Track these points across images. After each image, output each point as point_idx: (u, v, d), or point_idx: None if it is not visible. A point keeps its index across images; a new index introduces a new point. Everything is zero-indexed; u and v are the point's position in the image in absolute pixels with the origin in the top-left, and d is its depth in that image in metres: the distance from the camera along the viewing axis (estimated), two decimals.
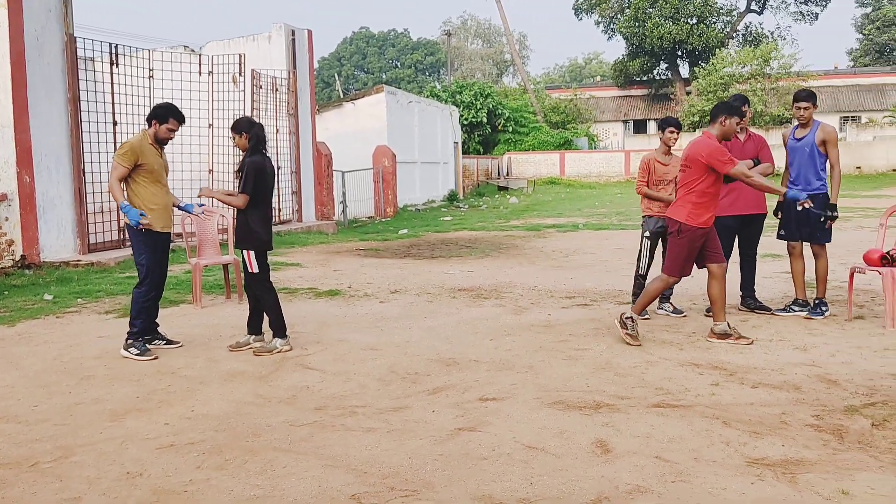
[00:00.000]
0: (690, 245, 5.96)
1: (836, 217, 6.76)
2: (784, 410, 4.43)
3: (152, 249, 6.06)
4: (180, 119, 6.16)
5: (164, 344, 6.23)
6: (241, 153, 6.23)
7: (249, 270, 6.06)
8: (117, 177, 5.96)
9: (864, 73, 51.41)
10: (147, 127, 6.14)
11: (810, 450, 3.84)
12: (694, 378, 5.10)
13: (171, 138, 6.18)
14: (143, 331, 6.12)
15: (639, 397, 4.73)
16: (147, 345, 6.04)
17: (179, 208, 6.50)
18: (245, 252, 6.02)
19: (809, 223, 6.78)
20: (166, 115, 6.06)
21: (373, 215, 20.77)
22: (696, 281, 8.46)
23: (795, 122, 7.08)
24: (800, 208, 6.11)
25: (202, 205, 6.38)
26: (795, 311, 7.00)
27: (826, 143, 6.79)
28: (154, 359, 5.86)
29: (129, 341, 5.98)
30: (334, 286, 9.15)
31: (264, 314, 6.16)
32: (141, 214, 5.89)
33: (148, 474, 3.72)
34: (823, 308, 6.88)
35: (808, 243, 6.94)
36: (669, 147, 7.17)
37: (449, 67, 55.96)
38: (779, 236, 7.15)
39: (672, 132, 7.07)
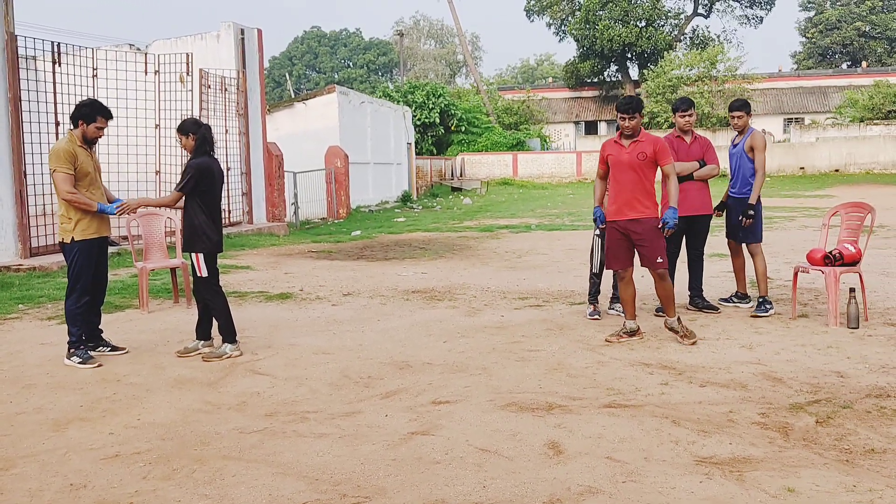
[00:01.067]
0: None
1: (752, 216, 7.15)
2: (731, 409, 4.51)
3: (86, 255, 5.87)
4: (108, 115, 5.94)
5: (109, 350, 6.08)
6: (187, 154, 6.10)
7: (198, 274, 5.95)
8: (71, 185, 5.72)
9: (807, 76, 52.81)
10: (73, 128, 5.89)
11: (757, 447, 3.92)
12: (644, 378, 5.17)
13: (101, 136, 5.97)
14: (88, 338, 5.96)
15: (590, 398, 4.76)
16: (91, 352, 5.89)
17: (99, 210, 5.95)
18: (194, 255, 5.91)
19: (739, 227, 7.28)
20: (93, 114, 5.82)
21: (325, 216, 20.61)
22: (646, 281, 8.58)
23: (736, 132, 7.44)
24: (667, 234, 6.21)
25: (119, 200, 6.11)
26: (734, 301, 7.47)
27: (753, 148, 7.20)
28: (98, 366, 5.70)
29: (72, 350, 5.82)
30: (286, 289, 9.04)
31: (213, 319, 6.06)
32: (118, 200, 5.99)
33: (92, 486, 3.62)
34: (767, 306, 7.06)
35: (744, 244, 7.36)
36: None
37: (402, 68, 55.87)
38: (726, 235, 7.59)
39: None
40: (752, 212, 7.14)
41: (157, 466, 3.83)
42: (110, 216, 6.06)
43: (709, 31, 53.60)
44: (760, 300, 7.12)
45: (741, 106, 7.26)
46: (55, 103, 11.40)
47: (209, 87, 14.81)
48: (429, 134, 38.79)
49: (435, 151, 39.40)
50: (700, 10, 53.41)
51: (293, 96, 35.84)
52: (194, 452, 4.01)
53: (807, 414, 4.39)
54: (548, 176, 39.28)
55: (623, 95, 50.76)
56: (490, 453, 3.91)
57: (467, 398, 4.81)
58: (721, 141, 41.52)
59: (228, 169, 15.63)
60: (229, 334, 5.97)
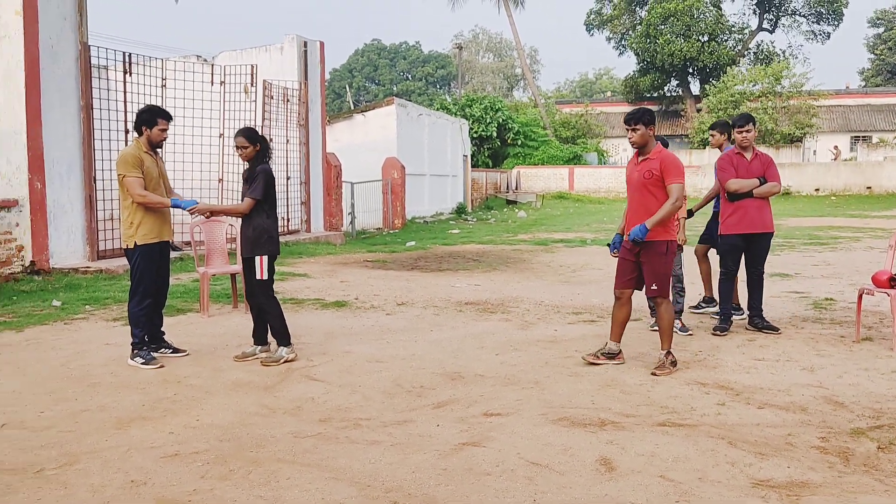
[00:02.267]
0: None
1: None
2: (790, 432, 4.41)
3: (147, 259, 6.06)
4: (167, 117, 6.14)
5: (171, 352, 6.25)
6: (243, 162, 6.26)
7: (258, 277, 6.06)
8: (141, 186, 5.94)
9: (875, 94, 51.39)
10: (138, 136, 6.11)
11: (816, 472, 3.82)
12: (700, 397, 5.09)
13: (165, 138, 6.17)
14: (151, 339, 6.14)
15: (644, 415, 4.71)
16: (153, 353, 6.07)
17: (173, 204, 6.23)
18: (257, 258, 6.04)
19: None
20: (153, 118, 6.04)
21: (381, 227, 20.81)
22: (700, 299, 8.43)
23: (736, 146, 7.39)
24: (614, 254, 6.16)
25: (194, 202, 6.30)
26: (703, 307, 7.98)
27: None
28: (160, 367, 5.88)
29: (135, 351, 6.01)
30: (341, 297, 9.16)
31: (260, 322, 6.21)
32: (192, 201, 6.15)
33: (152, 483, 3.73)
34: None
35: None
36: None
37: (459, 80, 56.15)
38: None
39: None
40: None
41: (214, 466, 3.93)
42: (178, 216, 6.28)
43: (773, 47, 52.66)
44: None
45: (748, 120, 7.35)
46: (125, 112, 11.78)
47: (272, 97, 15.14)
48: (485, 146, 38.86)
49: (491, 164, 39.44)
50: (765, 26, 52.48)
51: (352, 108, 36.35)
52: (250, 454, 4.10)
53: (868, 439, 4.27)
54: (604, 190, 38.95)
55: (683, 110, 50.04)
56: (541, 467, 3.90)
57: (519, 411, 4.81)
58: (784, 158, 40.71)
59: (288, 178, 15.94)
60: (283, 337, 6.08)
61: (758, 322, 7.19)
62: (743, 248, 7.12)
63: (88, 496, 3.59)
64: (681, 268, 7.30)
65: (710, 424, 4.53)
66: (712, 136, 7.91)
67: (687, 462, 3.95)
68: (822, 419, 4.64)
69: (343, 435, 4.39)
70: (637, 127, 5.74)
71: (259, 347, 6.20)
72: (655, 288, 5.76)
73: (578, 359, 6.12)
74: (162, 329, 6.37)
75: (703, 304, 8.07)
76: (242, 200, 6.07)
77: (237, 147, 6.10)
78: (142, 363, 5.91)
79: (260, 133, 6.26)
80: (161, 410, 4.86)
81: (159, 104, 12.34)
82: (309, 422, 4.63)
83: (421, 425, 4.55)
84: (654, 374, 5.65)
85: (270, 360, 5.98)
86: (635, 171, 5.84)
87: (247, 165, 6.19)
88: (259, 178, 5.99)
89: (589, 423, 4.56)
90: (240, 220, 6.22)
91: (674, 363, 5.78)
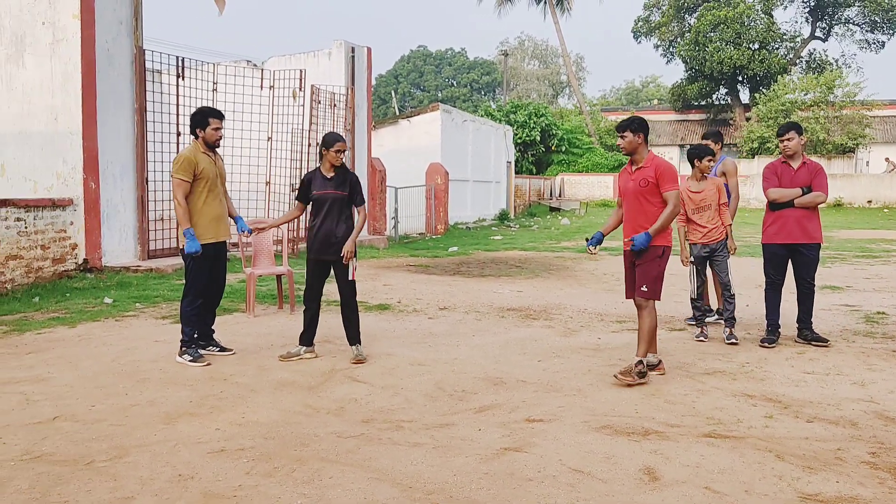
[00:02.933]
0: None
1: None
2: (839, 446, 4.31)
3: (201, 259, 6.14)
4: (218, 115, 6.25)
5: (218, 351, 6.36)
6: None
7: (352, 278, 6.19)
8: (182, 193, 6.06)
9: None
10: (195, 138, 6.23)
11: (865, 487, 3.73)
12: (747, 409, 5.00)
13: (221, 136, 6.27)
14: (200, 336, 6.26)
15: (689, 426, 4.65)
16: (200, 350, 6.18)
17: (233, 219, 6.55)
18: (355, 261, 6.20)
19: None
20: (205, 119, 6.15)
21: (423, 232, 20.88)
22: (751, 309, 8.31)
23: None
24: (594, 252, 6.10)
25: (242, 224, 6.52)
26: (710, 316, 7.77)
27: (725, 174, 7.68)
28: (207, 365, 5.99)
29: (183, 348, 6.13)
30: (384, 300, 9.22)
31: (313, 326, 6.30)
32: (197, 251, 6.03)
33: (199, 477, 3.80)
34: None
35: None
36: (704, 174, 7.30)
37: (505, 87, 56.16)
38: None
39: (710, 160, 7.25)
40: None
41: (259, 463, 3.99)
42: (239, 227, 6.49)
43: (826, 55, 51.51)
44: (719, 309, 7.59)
45: (713, 134, 7.68)
46: (177, 115, 12.04)
47: (319, 102, 15.32)
48: (529, 153, 38.79)
49: (534, 171, 39.34)
50: (818, 34, 51.43)
51: (398, 113, 36.57)
52: (294, 453, 4.15)
53: None
54: None
55: (731, 119, 49.23)
56: (584, 474, 3.88)
57: (561, 418, 4.79)
58: (836, 169, 39.82)
59: None
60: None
61: (807, 334, 7.03)
62: (785, 258, 6.99)
63: (137, 488, 3.67)
64: (727, 274, 7.20)
65: (758, 437, 4.46)
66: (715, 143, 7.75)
67: (733, 474, 3.89)
68: (873, 434, 4.53)
69: (385, 436, 4.42)
70: (624, 134, 5.75)
71: (304, 348, 6.27)
72: (645, 289, 5.68)
73: (622, 367, 6.06)
74: (212, 328, 6.48)
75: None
76: (327, 201, 6.14)
77: (341, 151, 6.12)
78: (189, 360, 6.03)
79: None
80: (208, 407, 4.95)
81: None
82: (352, 422, 4.67)
83: (463, 429, 4.56)
84: (615, 377, 5.59)
85: (359, 358, 6.14)
86: (629, 180, 5.82)
87: (331, 171, 6.18)
88: (358, 185, 6.21)
89: (632, 432, 4.52)
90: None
91: (641, 374, 5.59)
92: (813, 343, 6.93)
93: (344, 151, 6.16)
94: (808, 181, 6.87)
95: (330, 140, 6.14)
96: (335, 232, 6.15)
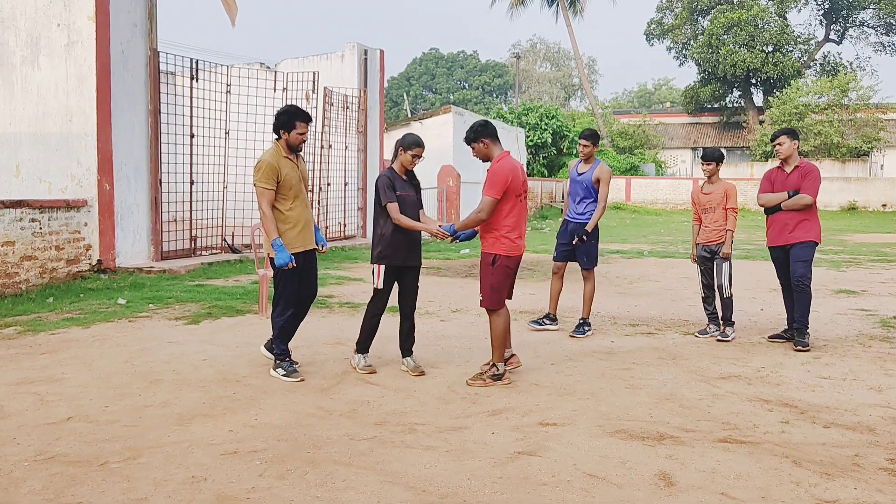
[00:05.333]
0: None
1: (584, 240, 7.53)
2: (857, 452, 4.27)
3: (294, 276, 5.75)
4: (307, 119, 5.73)
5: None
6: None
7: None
8: (268, 202, 5.59)
9: None
10: (276, 138, 5.76)
11: (884, 494, 3.69)
12: (763, 414, 4.96)
13: (305, 140, 5.75)
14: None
15: (704, 431, 4.61)
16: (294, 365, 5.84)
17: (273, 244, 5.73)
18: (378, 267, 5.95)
19: (582, 250, 7.60)
20: (291, 121, 5.64)
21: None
22: (765, 313, 8.26)
23: (579, 158, 7.76)
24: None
25: (321, 238, 6.13)
26: (546, 324, 7.77)
27: (599, 180, 7.52)
28: (300, 381, 5.62)
29: (277, 361, 5.80)
30: (396, 303, 9.17)
31: (364, 330, 6.10)
32: (291, 260, 5.59)
33: (212, 479, 3.79)
34: (586, 328, 7.50)
35: (582, 268, 7.71)
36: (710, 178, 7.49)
37: (517, 90, 56.11)
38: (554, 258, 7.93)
39: (707, 164, 7.43)
40: (585, 237, 7.49)
41: (272, 465, 3.98)
42: (317, 239, 6.02)
43: (840, 58, 51.20)
44: (581, 321, 7.57)
45: (590, 136, 7.65)
46: (191, 116, 12.09)
47: (332, 104, 15.35)
48: (541, 155, 38.70)
49: (546, 173, 39.25)
50: (832, 37, 51.12)
51: (410, 116, 36.60)
52: (307, 455, 4.14)
53: None
54: (661, 202, 38.41)
55: (744, 122, 48.94)
56: (598, 479, 3.85)
57: (575, 422, 4.76)
58: (851, 172, 39.57)
59: (346, 184, 16.13)
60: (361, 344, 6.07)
61: (793, 334, 7.07)
62: (783, 261, 7.15)
63: (151, 489, 3.66)
64: (721, 276, 7.36)
65: (774, 442, 4.41)
66: (585, 146, 7.64)
67: (749, 480, 3.85)
68: (891, 440, 4.48)
69: (398, 439, 4.41)
70: (471, 146, 5.77)
71: (408, 358, 6.09)
72: (481, 298, 5.70)
73: (636, 371, 6.04)
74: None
75: (545, 321, 7.81)
76: (386, 207, 5.83)
77: (417, 157, 5.90)
78: (283, 375, 5.67)
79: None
80: (221, 408, 4.95)
81: (223, 110, 12.66)
82: (364, 425, 4.66)
83: (476, 432, 4.54)
84: (468, 383, 5.57)
85: (421, 369, 5.95)
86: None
87: (405, 175, 5.99)
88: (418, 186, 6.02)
89: (647, 437, 4.49)
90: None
91: (496, 377, 5.59)
92: (797, 346, 6.86)
93: (420, 157, 5.90)
94: (798, 184, 6.96)
95: (409, 142, 5.87)
96: (416, 237, 5.94)
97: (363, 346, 6.06)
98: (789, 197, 6.95)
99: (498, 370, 5.65)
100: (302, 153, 5.96)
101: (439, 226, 5.86)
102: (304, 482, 3.77)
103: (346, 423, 4.70)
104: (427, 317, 8.32)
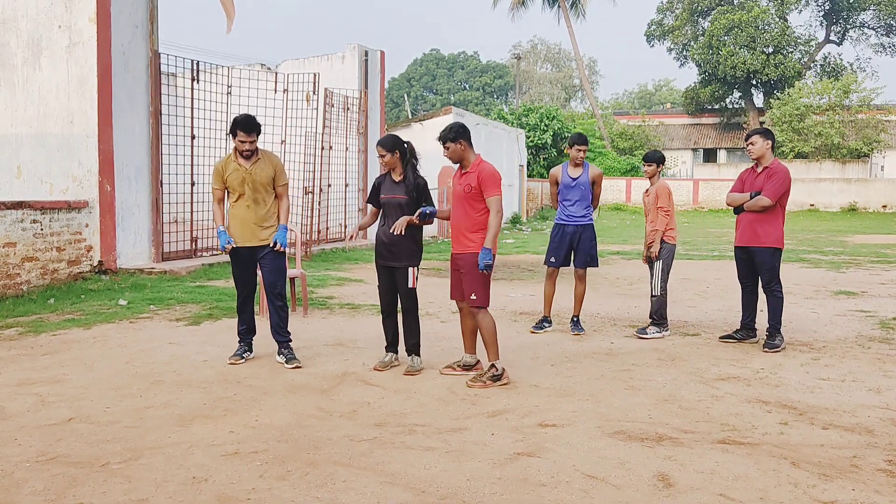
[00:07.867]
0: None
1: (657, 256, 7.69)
2: (855, 454, 4.28)
3: (234, 263, 6.33)
4: (247, 128, 5.96)
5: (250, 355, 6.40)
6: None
7: (412, 286, 6.00)
8: (215, 199, 6.27)
9: None
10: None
11: (882, 495, 3.70)
12: (761, 416, 4.97)
13: (246, 149, 6.02)
14: (390, 345, 6.23)
15: (703, 432, 4.63)
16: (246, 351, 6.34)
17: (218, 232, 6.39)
18: (412, 268, 5.99)
19: (581, 251, 7.74)
20: (233, 129, 6.03)
21: (435, 235, 20.89)
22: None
23: (566, 163, 7.82)
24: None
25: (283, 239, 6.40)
26: (546, 327, 7.78)
27: (595, 182, 7.77)
28: (231, 364, 6.05)
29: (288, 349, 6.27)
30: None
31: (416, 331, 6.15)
32: (228, 241, 6.13)
33: (213, 480, 3.81)
34: (581, 325, 7.71)
35: (579, 268, 7.83)
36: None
37: (517, 91, 56.14)
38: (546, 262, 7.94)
39: (647, 165, 7.65)
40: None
41: (272, 466, 3.99)
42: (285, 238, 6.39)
43: (841, 59, 51.24)
44: (576, 319, 7.72)
45: (587, 141, 7.79)
46: (192, 118, 12.11)
47: (332, 105, 15.37)
48: (541, 156, 38.72)
49: (546, 174, 39.26)
50: (832, 38, 51.15)
51: (410, 116, 36.62)
52: (307, 456, 4.15)
53: None
54: None
55: (745, 123, 48.98)
56: (597, 480, 3.86)
57: (574, 423, 4.77)
58: (851, 173, 39.58)
59: (347, 185, 16.15)
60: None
61: (747, 335, 7.22)
62: (744, 261, 7.21)
63: (151, 490, 3.68)
64: (653, 277, 7.61)
65: (773, 444, 4.43)
66: (581, 150, 7.67)
67: (748, 481, 3.87)
68: (889, 441, 4.49)
69: (398, 440, 4.42)
70: (447, 146, 5.76)
71: (393, 356, 6.20)
72: (474, 297, 5.70)
73: (635, 372, 6.05)
74: (249, 330, 6.43)
75: (545, 324, 7.82)
76: (393, 208, 5.96)
77: (380, 157, 6.04)
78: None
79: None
80: (221, 409, 4.97)
81: (224, 111, 12.68)
82: (365, 426, 4.67)
83: (475, 433, 4.56)
84: (468, 385, 5.60)
85: (415, 370, 5.98)
86: (457, 184, 5.84)
87: (399, 175, 6.05)
88: (426, 187, 6.04)
89: (646, 438, 4.50)
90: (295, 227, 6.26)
91: (495, 378, 5.63)
92: (764, 348, 6.91)
93: (381, 157, 6.05)
94: (763, 185, 6.99)
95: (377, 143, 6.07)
96: (395, 239, 5.96)
97: (390, 345, 6.25)
98: (751, 198, 6.98)
99: (497, 370, 5.67)
100: (261, 158, 6.20)
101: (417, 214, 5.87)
102: (305, 483, 3.78)
103: (346, 424, 4.71)
104: (427, 318, 8.34)
